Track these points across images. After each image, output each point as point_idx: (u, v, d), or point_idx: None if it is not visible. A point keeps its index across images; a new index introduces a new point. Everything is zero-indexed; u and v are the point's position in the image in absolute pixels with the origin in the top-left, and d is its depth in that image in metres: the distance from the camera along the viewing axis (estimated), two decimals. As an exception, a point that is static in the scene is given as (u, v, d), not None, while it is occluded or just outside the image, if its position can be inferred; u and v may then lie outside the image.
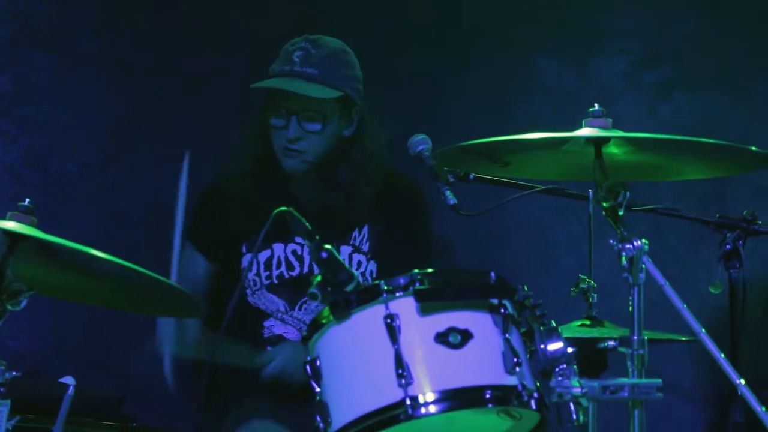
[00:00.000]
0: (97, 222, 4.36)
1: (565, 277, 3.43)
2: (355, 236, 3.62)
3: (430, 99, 4.46)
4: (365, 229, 3.63)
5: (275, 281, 3.59)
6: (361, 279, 3.48)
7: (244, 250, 3.60)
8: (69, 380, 3.90)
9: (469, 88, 4.52)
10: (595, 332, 3.17)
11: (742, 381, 2.56)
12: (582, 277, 3.25)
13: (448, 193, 3.11)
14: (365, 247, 3.62)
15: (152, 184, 4.38)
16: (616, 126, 2.85)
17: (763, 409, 2.54)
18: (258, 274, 3.60)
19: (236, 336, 3.59)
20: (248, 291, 3.60)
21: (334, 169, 3.56)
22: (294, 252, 3.60)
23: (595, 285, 3.24)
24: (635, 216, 3.42)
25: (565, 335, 2.58)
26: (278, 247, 3.60)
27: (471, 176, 3.31)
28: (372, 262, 3.62)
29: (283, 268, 3.60)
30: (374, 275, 3.62)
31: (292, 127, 3.51)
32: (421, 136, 3.38)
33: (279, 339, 3.59)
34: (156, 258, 4.17)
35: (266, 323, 3.61)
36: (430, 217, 3.71)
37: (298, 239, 3.56)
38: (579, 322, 3.27)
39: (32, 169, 4.35)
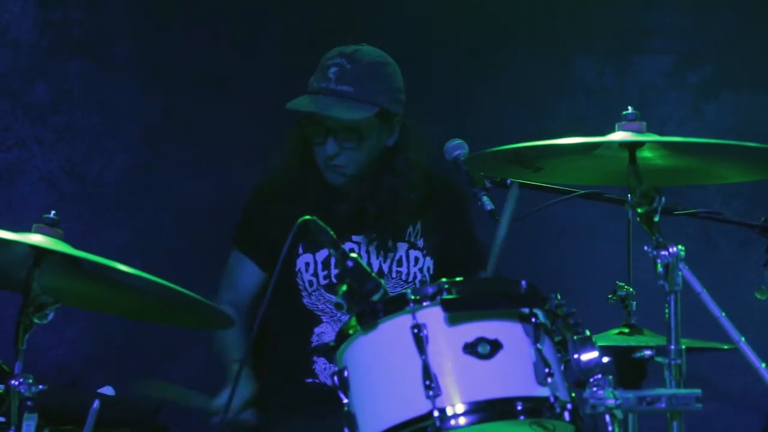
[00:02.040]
0: (133, 228, 4.36)
1: (607, 283, 3.36)
2: (409, 233, 3.59)
3: (467, 101, 4.42)
4: (418, 226, 3.60)
5: (334, 280, 3.55)
6: (403, 262, 3.54)
7: (300, 250, 3.57)
8: (108, 390, 3.89)
9: (509, 89, 4.46)
10: (632, 341, 3.09)
11: (784, 391, 2.48)
12: (620, 284, 3.18)
13: (485, 198, 3.06)
14: (420, 243, 3.59)
15: (188, 189, 4.37)
16: (659, 127, 2.78)
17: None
18: (315, 274, 3.56)
19: (285, 342, 3.58)
20: (304, 293, 3.57)
21: (376, 179, 3.54)
22: (351, 250, 3.56)
23: (634, 292, 3.17)
24: (683, 220, 3.35)
25: (601, 344, 2.51)
26: None
27: (508, 181, 3.25)
28: (428, 258, 3.59)
29: None
30: (431, 272, 3.58)
31: (329, 144, 3.49)
32: (457, 141, 3.33)
33: (327, 348, 3.54)
34: (192, 264, 4.19)
35: (317, 330, 3.57)
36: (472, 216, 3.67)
37: (355, 237, 3.52)
38: (617, 330, 3.19)
39: (69, 177, 4.36)
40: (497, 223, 3.15)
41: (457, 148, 3.28)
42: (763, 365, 2.50)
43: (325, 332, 3.55)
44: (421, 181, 3.56)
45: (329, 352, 3.39)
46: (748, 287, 4.03)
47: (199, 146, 4.40)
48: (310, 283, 3.56)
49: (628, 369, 3.08)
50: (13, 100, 4.33)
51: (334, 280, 3.53)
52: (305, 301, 3.57)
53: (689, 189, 4.00)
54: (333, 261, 3.54)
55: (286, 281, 3.52)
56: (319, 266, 3.56)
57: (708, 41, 4.44)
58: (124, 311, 3.00)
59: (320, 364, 3.55)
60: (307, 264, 3.56)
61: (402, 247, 3.58)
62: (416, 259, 3.59)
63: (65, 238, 2.75)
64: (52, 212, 2.73)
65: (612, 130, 2.77)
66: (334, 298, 3.49)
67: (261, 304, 3.06)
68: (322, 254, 3.56)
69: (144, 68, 4.42)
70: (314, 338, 3.56)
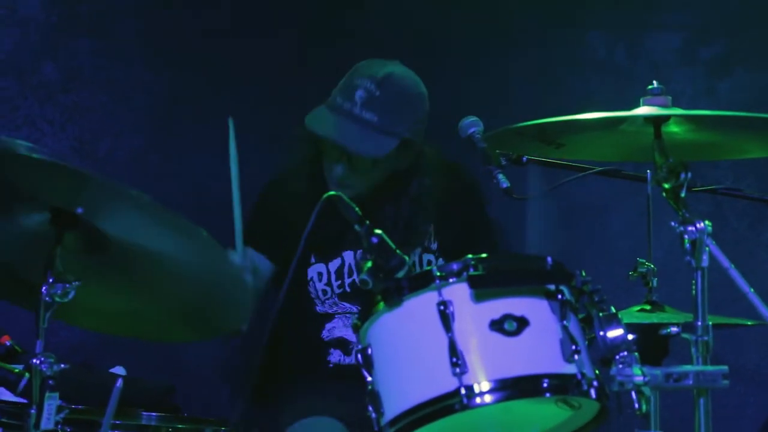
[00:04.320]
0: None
1: (622, 260, 3.35)
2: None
3: (479, 78, 4.39)
4: (431, 228, 3.54)
5: (347, 290, 3.52)
6: (416, 266, 3.49)
7: (313, 260, 3.52)
8: (119, 370, 3.87)
9: (520, 66, 4.44)
10: (655, 317, 3.08)
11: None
12: (641, 260, 3.16)
13: (500, 176, 3.03)
14: (434, 245, 3.54)
15: (199, 167, 4.35)
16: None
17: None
18: (329, 283, 3.51)
19: (296, 336, 3.55)
20: (317, 302, 3.52)
21: (384, 202, 3.46)
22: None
23: (655, 269, 3.15)
24: (693, 196, 3.34)
25: (624, 321, 2.50)
26: (348, 255, 3.50)
27: (524, 159, 3.23)
28: (441, 260, 3.53)
29: (355, 276, 3.47)
30: None
31: (340, 168, 3.40)
32: (472, 119, 3.29)
33: (339, 342, 3.51)
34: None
35: (329, 325, 3.53)
36: (486, 205, 3.62)
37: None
38: (638, 307, 3.18)
39: (79, 157, 4.33)
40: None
41: (472, 125, 3.24)
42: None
43: (335, 326, 3.52)
44: (434, 209, 3.48)
45: (352, 332, 3.38)
46: (761, 265, 4.03)
47: (209, 125, 4.37)
48: (324, 292, 3.51)
49: (650, 346, 3.06)
50: (22, 80, 4.29)
51: (348, 290, 3.49)
52: (318, 308, 3.53)
53: (702, 165, 3.99)
54: (346, 271, 3.50)
55: (297, 288, 3.45)
56: (333, 276, 3.50)
57: (720, 17, 4.41)
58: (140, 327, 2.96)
59: (335, 355, 3.53)
60: (320, 274, 3.49)
61: (415, 251, 3.54)
62: (429, 263, 3.53)
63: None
64: None
65: (631, 107, 2.75)
66: (349, 306, 3.50)
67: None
68: (334, 264, 3.50)
69: (153, 46, 4.38)
70: (325, 333, 3.53)
